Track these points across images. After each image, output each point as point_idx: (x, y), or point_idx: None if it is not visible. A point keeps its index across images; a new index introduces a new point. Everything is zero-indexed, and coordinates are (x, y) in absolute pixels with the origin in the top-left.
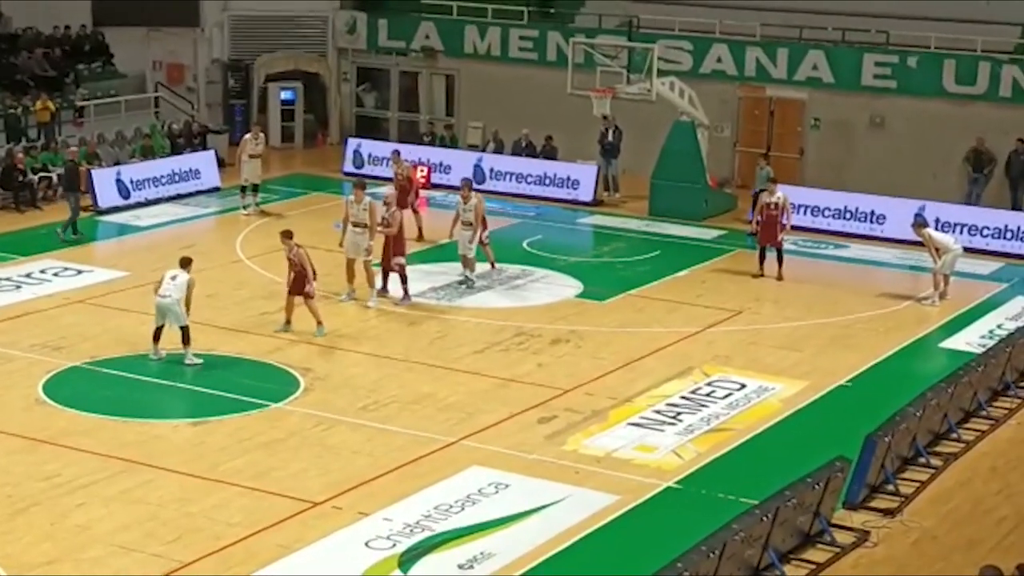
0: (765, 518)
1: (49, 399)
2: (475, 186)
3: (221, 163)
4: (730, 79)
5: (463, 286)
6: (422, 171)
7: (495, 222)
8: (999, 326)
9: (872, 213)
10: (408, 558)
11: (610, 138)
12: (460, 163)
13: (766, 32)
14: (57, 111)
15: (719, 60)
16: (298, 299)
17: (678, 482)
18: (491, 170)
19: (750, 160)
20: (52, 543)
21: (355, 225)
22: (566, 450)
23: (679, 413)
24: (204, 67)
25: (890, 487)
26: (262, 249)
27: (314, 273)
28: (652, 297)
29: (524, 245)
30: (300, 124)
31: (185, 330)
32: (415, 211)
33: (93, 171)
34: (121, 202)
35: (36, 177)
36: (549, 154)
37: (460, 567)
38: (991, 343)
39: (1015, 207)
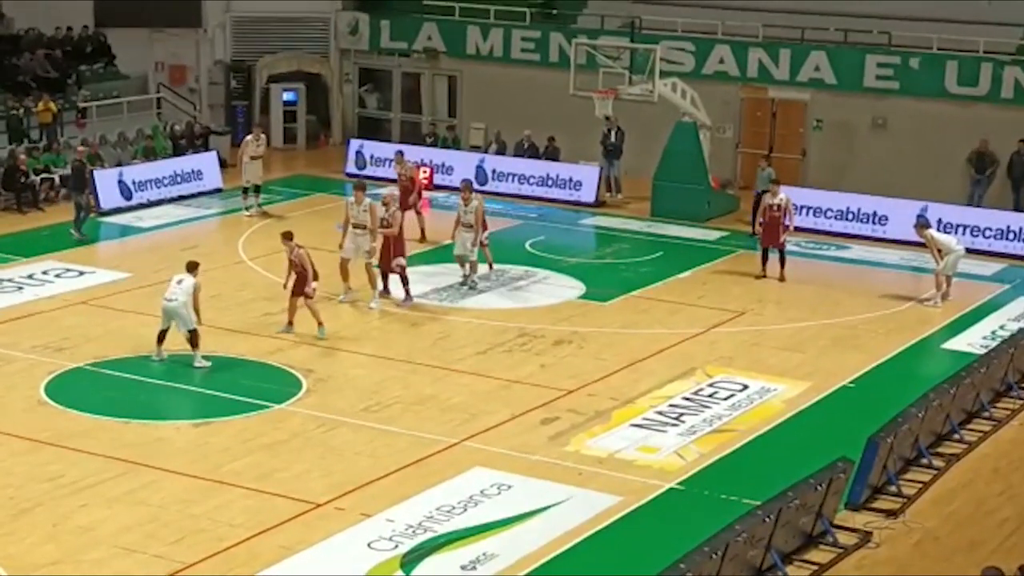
0: (767, 519)
1: (51, 400)
2: (477, 187)
3: (223, 164)
4: (732, 80)
5: (464, 287)
6: (424, 172)
7: (497, 223)
8: (1001, 327)
9: (874, 214)
10: (410, 559)
11: (612, 139)
12: (462, 164)
13: (768, 33)
14: (59, 112)
15: (721, 61)
16: (300, 300)
17: (681, 483)
18: (493, 171)
19: (752, 161)
20: (55, 544)
21: (355, 227)
22: (569, 451)
23: (682, 414)
24: (206, 68)
25: (892, 488)
26: (264, 250)
27: (315, 274)
28: (654, 298)
29: (526, 246)
30: (302, 125)
31: (193, 333)
32: (418, 212)
33: (95, 172)
34: (123, 203)
35: (38, 178)
36: (551, 155)
37: (463, 568)
38: (993, 344)
39: (1017, 208)
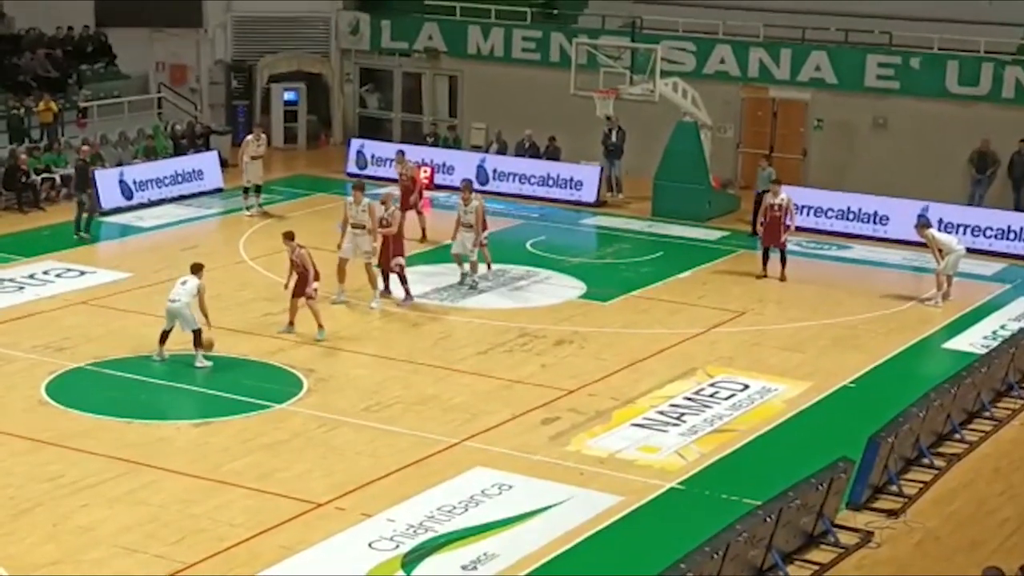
0: (768, 519)
1: (52, 400)
2: (478, 187)
3: (224, 164)
4: (733, 80)
5: (464, 286)
6: (425, 172)
7: (498, 223)
8: (1002, 327)
9: (875, 214)
10: (411, 559)
11: (613, 139)
12: (463, 164)
13: (769, 33)
14: (60, 112)
15: (722, 61)
16: (301, 300)
17: (681, 483)
18: (494, 171)
19: (753, 161)
20: (55, 544)
21: (354, 227)
22: (569, 451)
23: (682, 414)
24: (207, 68)
25: (893, 488)
26: (265, 250)
27: (317, 274)
28: (655, 298)
29: (527, 246)
30: (303, 125)
31: (197, 334)
32: (419, 212)
33: (96, 172)
34: (124, 203)
35: (39, 178)
36: (552, 155)
37: (463, 568)
38: (994, 344)
39: (1018, 208)
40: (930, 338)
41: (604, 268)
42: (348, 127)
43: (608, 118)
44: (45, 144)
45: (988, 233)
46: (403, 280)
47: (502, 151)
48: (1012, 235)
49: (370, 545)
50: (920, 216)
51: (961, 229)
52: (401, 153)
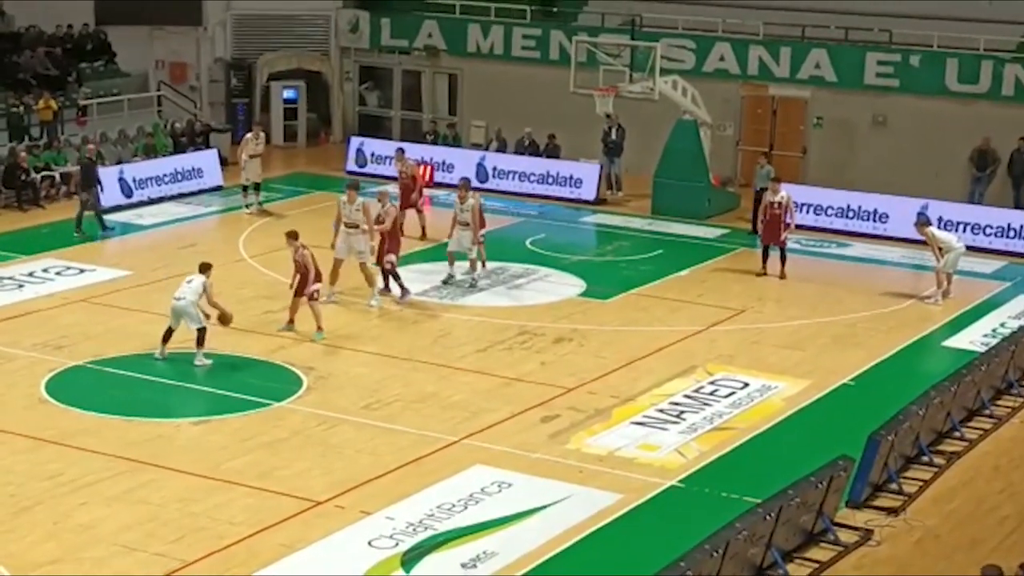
0: (768, 517)
1: (51, 398)
2: (478, 185)
3: (224, 162)
4: (733, 78)
5: (449, 287)
6: (427, 167)
7: (498, 221)
8: (1002, 325)
9: (875, 212)
10: (411, 557)
11: (613, 137)
12: (463, 162)
13: (769, 31)
14: (60, 110)
15: (722, 59)
16: (302, 299)
17: (681, 481)
18: (494, 169)
19: (753, 159)
20: (55, 542)
21: (348, 226)
22: (569, 449)
23: (682, 412)
24: (207, 66)
25: (893, 486)
26: (265, 248)
27: (318, 275)
28: (655, 296)
29: (527, 244)
30: (303, 123)
31: (201, 332)
32: (419, 210)
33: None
34: (124, 201)
35: (39, 176)
36: (552, 153)
37: (463, 566)
38: (994, 342)
39: (1018, 206)
40: (930, 336)
41: (604, 266)
42: (348, 125)
43: (608, 116)
44: (45, 142)
45: (988, 231)
46: (395, 277)
47: (502, 149)
48: (1012, 233)
49: (369, 543)
50: (920, 214)
51: (961, 227)
52: (401, 151)
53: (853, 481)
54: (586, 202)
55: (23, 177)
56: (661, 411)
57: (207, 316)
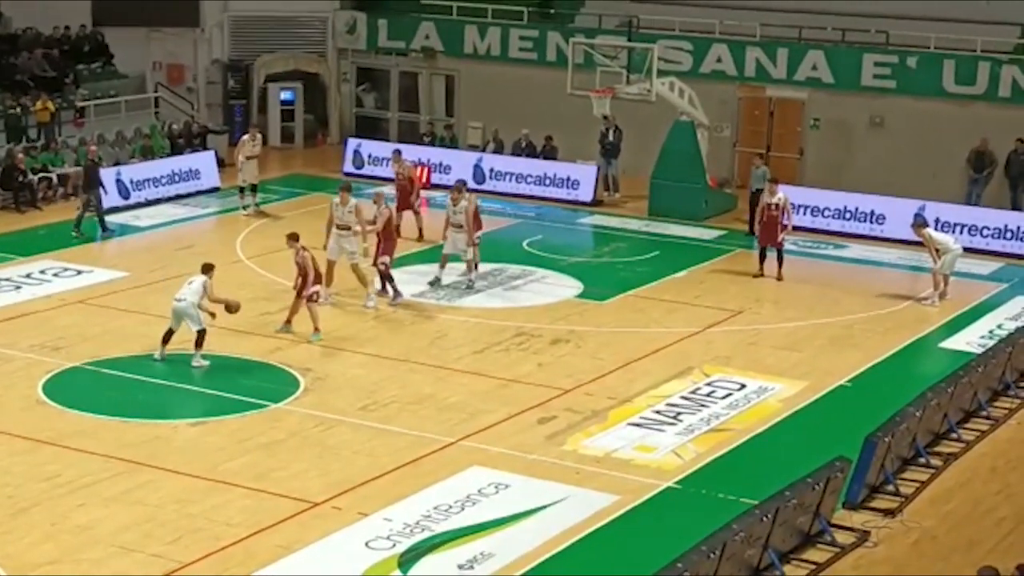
0: (765, 518)
1: (49, 400)
2: (475, 186)
3: (221, 163)
4: (730, 79)
5: (433, 287)
6: (422, 171)
7: (495, 222)
8: (999, 326)
9: (872, 213)
10: (408, 558)
11: (610, 138)
12: (460, 163)
13: (766, 32)
14: (57, 111)
15: (719, 60)
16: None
17: (678, 482)
18: (491, 170)
19: (750, 160)
20: (53, 544)
21: (339, 228)
22: (566, 450)
23: (679, 413)
24: (204, 67)
25: (890, 487)
26: (262, 249)
27: (318, 277)
28: (652, 297)
29: (524, 245)
30: (300, 124)
31: (201, 334)
32: (416, 212)
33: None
34: (121, 202)
35: (36, 177)
36: (549, 154)
37: (460, 567)
38: (991, 343)
39: (1015, 207)
40: (927, 337)
41: (601, 267)
42: (345, 126)
43: (605, 117)
44: (42, 144)
45: (985, 232)
46: (389, 279)
47: (499, 150)
48: (1009, 234)
49: (367, 544)
50: (917, 215)
51: (958, 228)
52: (398, 152)
53: (850, 482)
54: (583, 203)
55: (20, 179)
56: (658, 412)
57: (213, 315)
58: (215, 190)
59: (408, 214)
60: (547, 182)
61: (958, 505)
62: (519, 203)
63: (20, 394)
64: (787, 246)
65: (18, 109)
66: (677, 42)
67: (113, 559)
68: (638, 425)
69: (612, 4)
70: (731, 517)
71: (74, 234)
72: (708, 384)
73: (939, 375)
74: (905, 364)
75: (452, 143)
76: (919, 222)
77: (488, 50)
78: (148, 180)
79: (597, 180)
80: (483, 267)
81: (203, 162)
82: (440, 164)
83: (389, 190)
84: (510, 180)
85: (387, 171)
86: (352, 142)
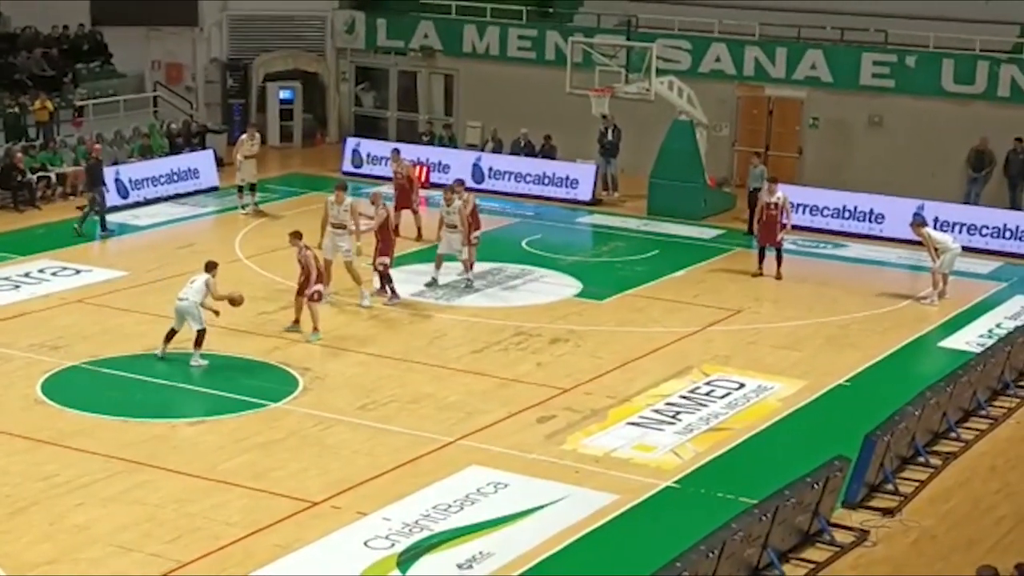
0: (764, 517)
1: (47, 399)
2: (474, 186)
3: (220, 163)
4: (729, 78)
5: (429, 287)
6: (421, 170)
7: (494, 221)
8: (998, 325)
9: (871, 212)
10: (407, 558)
11: (609, 137)
12: (459, 162)
13: (765, 31)
14: (56, 111)
15: (718, 59)
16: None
17: (677, 481)
18: (490, 169)
19: (749, 159)
20: (51, 543)
21: (335, 227)
22: (565, 450)
23: (678, 412)
24: (203, 67)
25: (889, 486)
26: (261, 249)
27: (320, 276)
28: (651, 296)
29: (523, 244)
30: (299, 123)
31: (200, 333)
32: (414, 211)
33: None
34: (120, 201)
35: (35, 177)
36: (548, 153)
37: (459, 567)
38: (990, 342)
39: (1014, 206)
40: (926, 336)
41: (600, 267)
42: (344, 126)
43: (604, 116)
44: (41, 143)
45: (984, 231)
46: (388, 279)
47: (498, 149)
48: (1008, 233)
49: (365, 544)
50: (916, 214)
51: (957, 227)
52: (396, 152)
53: (849, 482)
54: (582, 203)
55: (19, 178)
56: (657, 412)
57: (216, 314)
58: (214, 189)
59: (407, 213)
60: (546, 181)
61: (957, 504)
62: (518, 202)
63: (19, 393)
64: (786, 245)
65: (17, 108)
66: (676, 41)
67: (111, 558)
68: (637, 424)
69: (611, 3)
70: (730, 516)
71: (76, 228)
72: (707, 383)
73: (938, 374)
74: (904, 363)
75: (451, 142)
76: (918, 221)
77: (487, 49)
78: (147, 179)
79: (596, 179)
80: (482, 266)
81: (202, 161)
82: (439, 163)
83: (388, 189)
84: (509, 179)
85: (386, 170)
86: (351, 141)
